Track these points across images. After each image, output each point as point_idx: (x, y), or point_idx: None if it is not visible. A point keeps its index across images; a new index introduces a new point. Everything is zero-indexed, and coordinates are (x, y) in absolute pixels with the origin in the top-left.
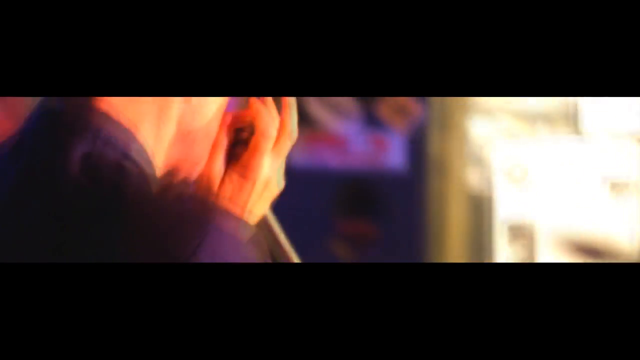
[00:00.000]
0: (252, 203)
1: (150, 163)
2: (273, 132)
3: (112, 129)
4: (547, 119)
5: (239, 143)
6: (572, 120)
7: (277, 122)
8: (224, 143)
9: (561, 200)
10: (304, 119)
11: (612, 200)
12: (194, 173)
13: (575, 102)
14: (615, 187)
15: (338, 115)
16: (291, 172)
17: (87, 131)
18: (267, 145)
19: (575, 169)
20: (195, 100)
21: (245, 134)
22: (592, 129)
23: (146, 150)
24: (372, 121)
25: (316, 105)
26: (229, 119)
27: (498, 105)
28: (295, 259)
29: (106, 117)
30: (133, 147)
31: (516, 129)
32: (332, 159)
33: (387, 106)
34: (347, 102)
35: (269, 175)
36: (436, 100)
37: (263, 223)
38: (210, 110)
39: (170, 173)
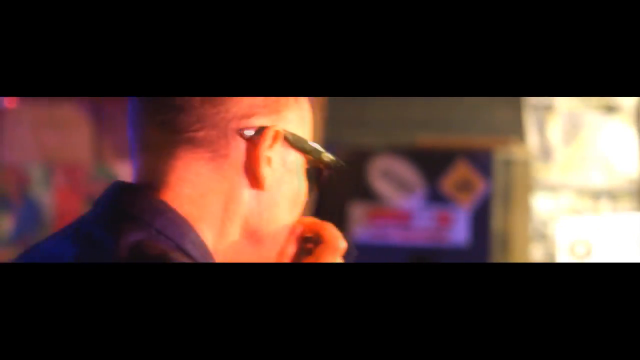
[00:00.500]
0: None
1: (208, 257)
2: (340, 244)
3: (168, 220)
4: (610, 195)
5: (304, 253)
6: (636, 197)
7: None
8: (290, 251)
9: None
10: (369, 194)
11: None
12: None
13: (639, 179)
14: None
15: (403, 191)
16: (355, 247)
17: (143, 219)
18: (332, 257)
19: (638, 246)
20: (265, 199)
21: (310, 245)
22: None
23: (205, 244)
24: (436, 197)
25: (381, 181)
26: (298, 228)
27: (561, 182)
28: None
29: (164, 207)
30: (189, 240)
31: (579, 206)
32: (396, 235)
33: (451, 182)
34: (412, 178)
35: None
36: (500, 177)
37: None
38: (280, 215)
39: None
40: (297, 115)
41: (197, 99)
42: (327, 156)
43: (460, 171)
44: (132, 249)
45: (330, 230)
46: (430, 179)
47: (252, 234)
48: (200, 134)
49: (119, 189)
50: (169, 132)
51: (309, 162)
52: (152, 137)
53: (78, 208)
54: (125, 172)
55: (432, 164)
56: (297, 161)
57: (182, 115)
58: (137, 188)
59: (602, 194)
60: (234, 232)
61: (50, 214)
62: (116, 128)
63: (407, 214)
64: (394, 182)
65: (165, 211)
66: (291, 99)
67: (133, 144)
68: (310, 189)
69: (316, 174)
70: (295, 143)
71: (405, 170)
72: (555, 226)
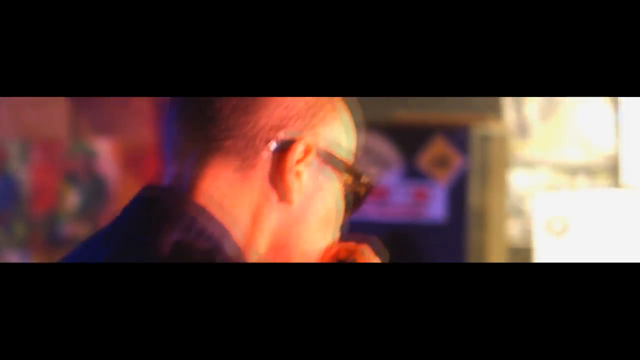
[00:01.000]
0: None
1: (243, 261)
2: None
3: (207, 222)
4: (587, 171)
5: None
6: (612, 173)
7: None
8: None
9: (600, 253)
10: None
11: None
12: None
13: (616, 155)
14: None
15: (379, 167)
16: None
17: (182, 220)
18: None
19: (615, 222)
20: (294, 214)
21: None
22: (632, 181)
23: (240, 249)
24: (413, 173)
25: (358, 157)
26: (332, 249)
27: (538, 158)
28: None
29: (202, 210)
30: (227, 243)
31: (556, 182)
32: (372, 211)
33: (428, 158)
34: (389, 154)
35: None
36: (477, 153)
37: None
38: (310, 233)
39: None
40: (335, 133)
41: (228, 107)
42: (366, 178)
43: (437, 147)
44: (173, 248)
45: (367, 254)
46: (407, 155)
47: (280, 250)
48: (229, 142)
49: (153, 191)
50: (200, 141)
51: (345, 183)
52: (184, 144)
53: (55, 184)
54: (101, 148)
55: (409, 139)
56: (331, 180)
57: (213, 123)
58: (173, 191)
59: (578, 170)
60: (262, 245)
61: (27, 190)
62: (93, 104)
63: (384, 190)
64: (370, 158)
65: (204, 213)
66: (329, 115)
67: (166, 151)
68: (347, 211)
69: (354, 195)
70: (329, 161)
71: (382, 146)
72: (532, 202)
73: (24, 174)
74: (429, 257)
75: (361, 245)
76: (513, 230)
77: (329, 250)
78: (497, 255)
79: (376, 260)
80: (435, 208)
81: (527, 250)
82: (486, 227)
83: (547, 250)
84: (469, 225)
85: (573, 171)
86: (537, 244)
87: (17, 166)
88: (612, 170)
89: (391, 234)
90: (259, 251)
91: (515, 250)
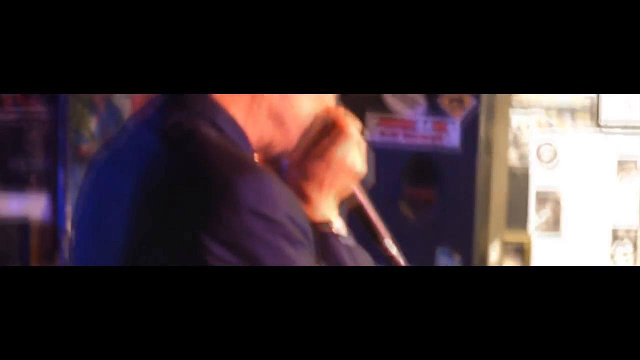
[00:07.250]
0: (329, 180)
1: (239, 131)
2: (351, 130)
3: (205, 103)
4: (571, 112)
5: (323, 135)
6: (593, 114)
7: (357, 125)
8: (311, 133)
9: (581, 175)
10: (383, 108)
11: (620, 177)
12: (285, 150)
13: (597, 98)
14: (623, 166)
15: (409, 105)
16: (371, 149)
17: (185, 105)
18: (344, 140)
19: (592, 151)
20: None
21: (328, 128)
22: (608, 121)
23: (236, 121)
24: (435, 110)
25: (392, 98)
26: (320, 114)
27: (534, 100)
28: (384, 232)
29: (203, 95)
30: (222, 117)
31: (548, 120)
32: (402, 139)
33: (447, 99)
34: (417, 96)
35: (345, 159)
36: (486, 95)
37: (353, 202)
38: (300, 100)
39: (266, 146)
40: None
41: None
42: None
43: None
44: (173, 126)
45: (343, 116)
46: (431, 96)
47: (276, 117)
48: None
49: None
50: None
51: None
52: None
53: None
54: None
55: None
56: None
57: None
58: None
59: (565, 110)
60: (261, 114)
61: (126, 115)
62: None
63: (412, 123)
64: (402, 98)
65: (203, 97)
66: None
67: None
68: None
69: None
70: None
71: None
72: (528, 135)
73: (125, 104)
74: (446, 177)
75: (341, 109)
76: (513, 157)
77: (316, 115)
78: (500, 176)
79: (352, 124)
80: (452, 138)
81: (524, 173)
82: (492, 154)
83: (538, 173)
84: (479, 153)
85: (561, 111)
86: (531, 168)
87: (120, 97)
88: (592, 111)
89: (417, 158)
90: (259, 120)
91: (514, 173)
